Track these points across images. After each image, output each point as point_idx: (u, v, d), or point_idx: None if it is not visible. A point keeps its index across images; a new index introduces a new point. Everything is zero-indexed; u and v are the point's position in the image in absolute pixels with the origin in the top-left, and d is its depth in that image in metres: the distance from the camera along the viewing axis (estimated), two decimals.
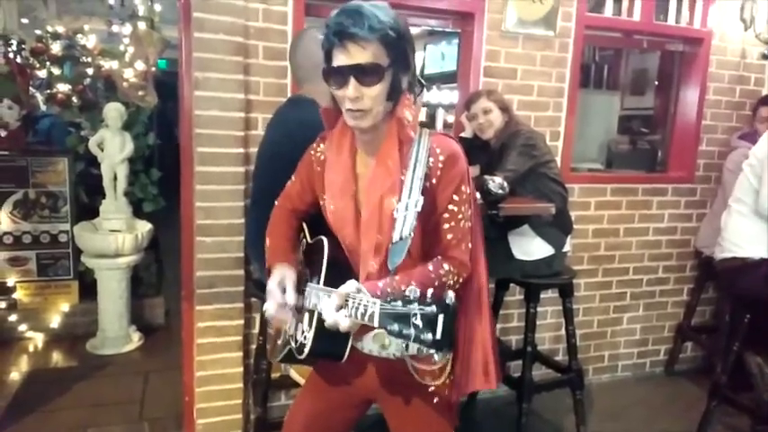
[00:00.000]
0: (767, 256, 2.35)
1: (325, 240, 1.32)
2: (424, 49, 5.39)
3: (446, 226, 1.26)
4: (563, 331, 2.68)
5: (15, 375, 3.08)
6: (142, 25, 3.47)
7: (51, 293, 3.56)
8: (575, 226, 2.91)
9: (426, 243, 1.27)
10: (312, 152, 1.40)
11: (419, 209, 1.18)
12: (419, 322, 0.90)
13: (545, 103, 2.88)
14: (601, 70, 4.64)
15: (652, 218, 3.26)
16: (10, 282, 3.47)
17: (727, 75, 3.24)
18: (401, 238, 1.16)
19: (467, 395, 2.82)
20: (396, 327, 0.93)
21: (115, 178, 3.39)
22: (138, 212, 3.63)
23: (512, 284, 2.71)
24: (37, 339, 3.52)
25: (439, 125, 4.92)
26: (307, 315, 1.30)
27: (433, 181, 1.23)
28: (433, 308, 0.90)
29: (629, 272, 3.28)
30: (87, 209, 3.61)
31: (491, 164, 2.46)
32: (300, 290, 1.33)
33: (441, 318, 0.90)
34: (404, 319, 0.92)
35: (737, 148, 3.10)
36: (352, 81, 1.15)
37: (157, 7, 3.55)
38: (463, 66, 2.80)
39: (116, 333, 3.42)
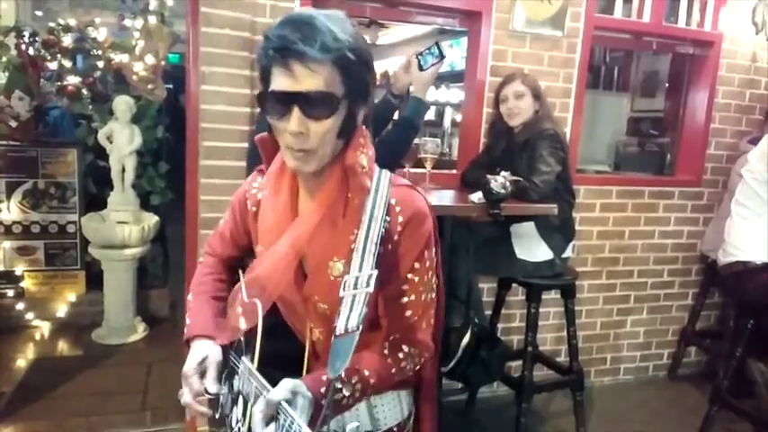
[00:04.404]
0: None
1: (260, 305, 1.02)
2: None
3: (404, 300, 1.02)
4: (565, 332, 2.67)
5: (21, 363, 3.12)
6: (153, 19, 3.49)
7: (58, 283, 3.59)
8: (579, 227, 2.91)
9: (377, 314, 1.05)
10: (247, 187, 1.16)
11: (372, 288, 0.90)
12: None
13: (551, 104, 2.87)
14: (611, 71, 4.61)
15: (658, 221, 3.24)
16: (18, 270, 3.50)
17: (737, 78, 3.21)
18: (347, 331, 0.86)
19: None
20: None
21: (123, 170, 3.42)
22: (145, 205, 3.66)
23: (514, 284, 2.71)
24: (43, 328, 3.56)
25: (447, 123, 4.91)
26: (241, 401, 1.04)
27: (389, 246, 0.99)
28: None
29: (634, 275, 3.26)
30: (95, 200, 3.64)
31: (509, 151, 2.45)
32: (232, 364, 1.09)
33: None
34: None
35: (746, 153, 3.07)
36: (296, 112, 0.90)
37: (168, 1, 3.56)
38: (470, 65, 2.80)
39: (121, 323, 3.45)
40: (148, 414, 2.66)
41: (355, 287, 0.91)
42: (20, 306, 3.53)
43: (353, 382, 0.94)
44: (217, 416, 1.15)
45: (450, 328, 2.29)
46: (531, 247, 2.43)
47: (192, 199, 2.38)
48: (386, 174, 1.04)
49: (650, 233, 3.24)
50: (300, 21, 0.90)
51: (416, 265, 1.02)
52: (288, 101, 0.91)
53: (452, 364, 2.24)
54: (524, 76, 2.46)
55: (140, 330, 3.54)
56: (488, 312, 2.79)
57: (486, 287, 2.90)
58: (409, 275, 1.02)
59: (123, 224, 3.36)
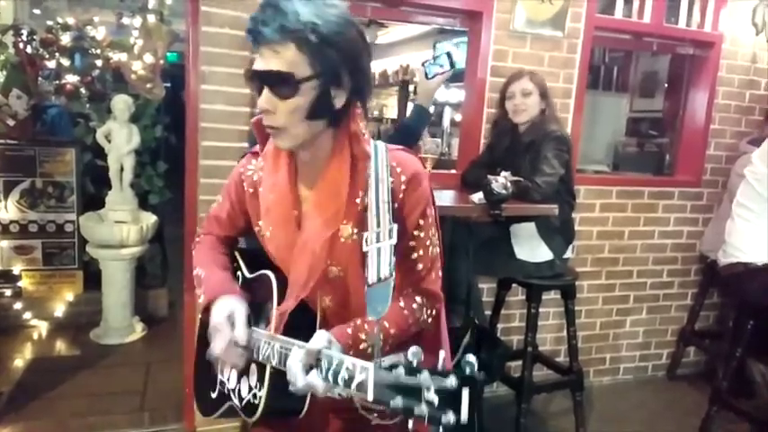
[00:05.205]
0: None
1: (272, 276, 1.09)
2: (434, 47, 5.37)
3: (413, 255, 1.09)
4: (565, 333, 2.67)
5: (19, 362, 3.11)
6: (152, 18, 3.47)
7: (56, 282, 3.57)
8: (578, 227, 2.91)
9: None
10: (241, 170, 1.20)
11: (395, 240, 0.97)
12: (434, 397, 0.69)
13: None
14: (610, 72, 4.61)
15: (658, 221, 3.24)
16: (15, 270, 3.48)
17: (736, 79, 3.21)
18: (380, 279, 0.94)
19: None
20: (400, 402, 0.71)
21: (122, 170, 3.41)
22: (143, 204, 3.65)
23: (514, 285, 2.71)
24: (41, 327, 3.55)
25: (446, 123, 4.91)
26: (255, 369, 1.06)
27: (395, 205, 1.05)
28: (452, 380, 0.69)
29: (633, 275, 3.26)
30: (93, 199, 3.62)
31: (513, 150, 2.44)
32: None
33: (466, 393, 0.69)
34: (413, 393, 0.71)
35: (746, 153, 3.08)
36: (266, 91, 0.97)
37: (167, 0, 3.55)
38: (470, 65, 2.79)
39: (119, 323, 3.44)
40: (147, 414, 2.65)
41: (378, 241, 0.98)
42: (17, 305, 3.51)
43: (375, 332, 0.98)
44: (214, 395, 1.17)
45: (450, 328, 2.28)
46: (531, 248, 2.43)
47: (191, 199, 2.37)
48: (380, 142, 1.11)
49: (650, 233, 3.24)
50: (269, 3, 0.95)
51: (421, 221, 1.09)
52: (259, 80, 0.98)
53: (452, 364, 2.24)
54: (532, 74, 2.44)
55: (139, 330, 3.53)
56: (488, 313, 2.79)
57: (486, 287, 2.89)
58: (415, 232, 1.09)
59: (121, 223, 3.35)
